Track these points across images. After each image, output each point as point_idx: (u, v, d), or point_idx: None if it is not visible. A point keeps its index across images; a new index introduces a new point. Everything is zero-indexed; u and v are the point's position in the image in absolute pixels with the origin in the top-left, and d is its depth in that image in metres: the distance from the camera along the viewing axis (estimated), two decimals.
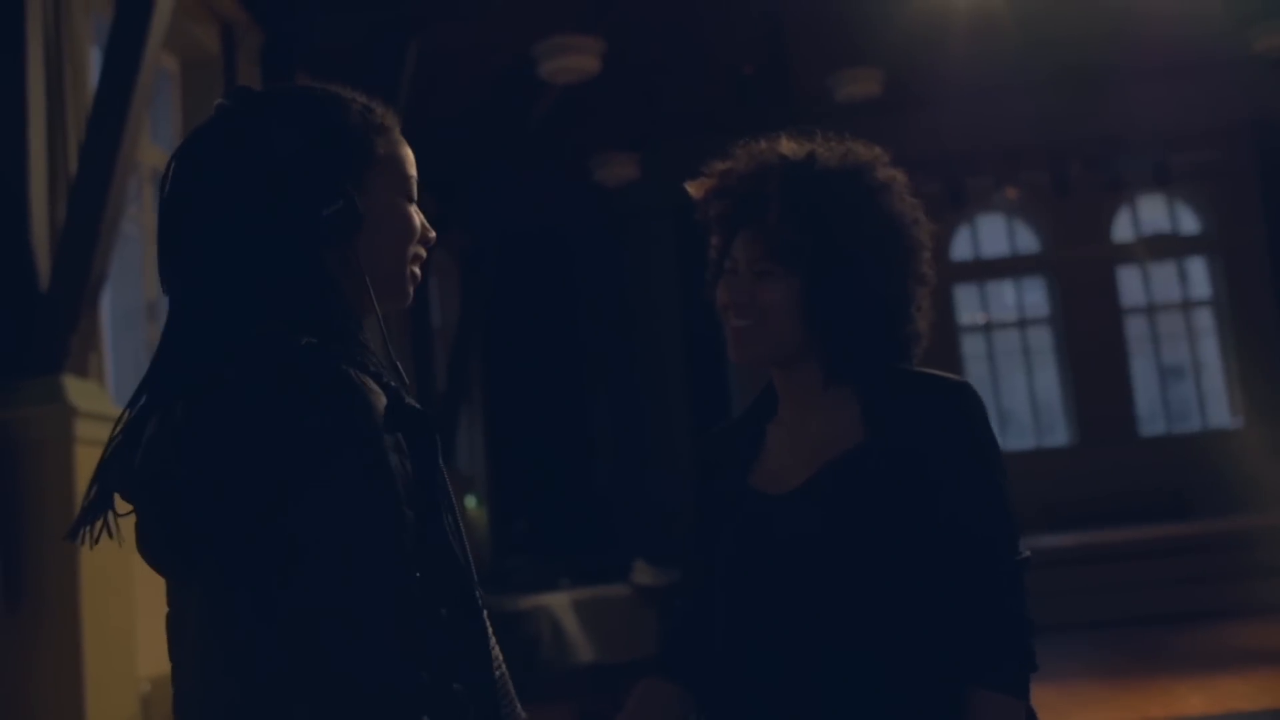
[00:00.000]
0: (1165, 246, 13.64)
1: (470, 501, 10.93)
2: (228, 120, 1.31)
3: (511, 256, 11.88)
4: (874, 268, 1.65)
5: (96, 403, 4.79)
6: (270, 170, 1.27)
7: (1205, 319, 13.86)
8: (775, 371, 1.74)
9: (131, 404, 1.29)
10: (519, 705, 1.35)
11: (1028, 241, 13.87)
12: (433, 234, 1.42)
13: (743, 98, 10.44)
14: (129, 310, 6.59)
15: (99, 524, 1.28)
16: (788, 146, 1.71)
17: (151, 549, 1.25)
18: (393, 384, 1.25)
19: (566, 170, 11.32)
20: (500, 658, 1.34)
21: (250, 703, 1.15)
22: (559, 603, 6.71)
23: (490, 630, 1.32)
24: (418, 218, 1.40)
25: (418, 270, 1.41)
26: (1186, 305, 13.88)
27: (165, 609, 1.31)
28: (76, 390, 4.66)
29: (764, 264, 1.66)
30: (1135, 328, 13.73)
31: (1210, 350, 13.77)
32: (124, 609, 4.69)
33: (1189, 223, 13.83)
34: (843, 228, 1.64)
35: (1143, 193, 13.21)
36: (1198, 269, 13.88)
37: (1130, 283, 13.71)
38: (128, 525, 1.29)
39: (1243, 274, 12.98)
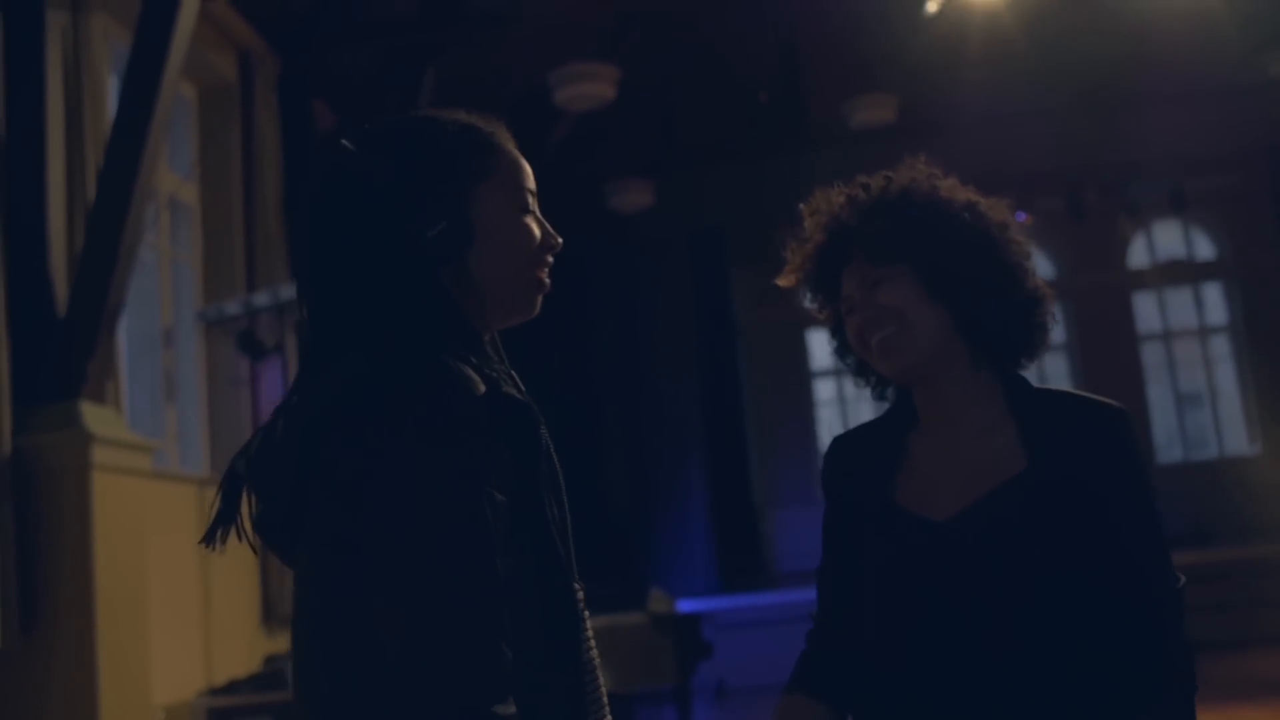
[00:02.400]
0: (1181, 272, 13.57)
1: None
2: (343, 159, 1.38)
3: None
4: (975, 232, 1.66)
5: (113, 429, 4.80)
6: (377, 201, 1.33)
7: (1222, 345, 13.77)
8: (918, 388, 1.72)
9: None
10: (609, 714, 1.36)
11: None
12: (558, 241, 1.46)
13: (758, 125, 10.46)
14: (146, 336, 6.61)
15: (228, 528, 1.33)
16: (843, 188, 1.75)
17: (265, 529, 1.32)
18: (494, 375, 1.28)
19: (581, 197, 11.34)
20: (597, 660, 1.36)
21: (344, 676, 1.18)
22: None
23: (588, 625, 1.34)
24: (537, 228, 1.43)
25: (546, 279, 1.45)
26: (1203, 331, 13.79)
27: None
28: (93, 416, 4.67)
29: (875, 273, 1.66)
30: (1151, 354, 13.65)
31: (1227, 377, 13.67)
32: (140, 635, 4.68)
33: (1205, 248, 13.76)
34: (931, 208, 1.67)
35: (1158, 218, 13.16)
36: (1214, 295, 13.80)
37: (1146, 309, 13.63)
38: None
39: (1260, 299, 12.90)
